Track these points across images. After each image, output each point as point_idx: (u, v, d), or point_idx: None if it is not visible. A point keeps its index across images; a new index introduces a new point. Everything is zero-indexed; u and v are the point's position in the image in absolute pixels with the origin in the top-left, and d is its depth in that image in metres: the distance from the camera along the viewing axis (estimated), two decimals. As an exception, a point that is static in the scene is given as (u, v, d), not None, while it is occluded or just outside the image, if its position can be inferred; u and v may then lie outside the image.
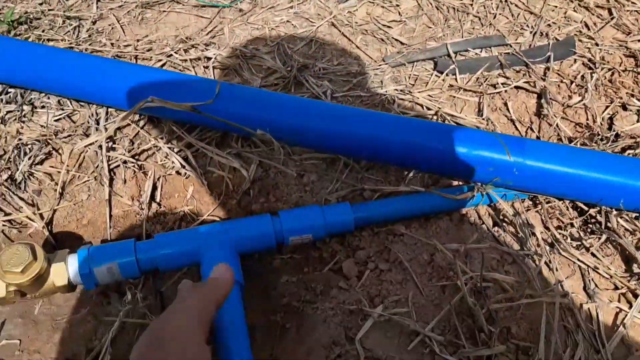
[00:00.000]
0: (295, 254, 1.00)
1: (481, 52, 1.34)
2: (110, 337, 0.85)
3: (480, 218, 1.04)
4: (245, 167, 1.04)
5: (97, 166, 1.03)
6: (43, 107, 1.12)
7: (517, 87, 1.24)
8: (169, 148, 1.06)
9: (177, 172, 1.04)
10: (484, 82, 1.26)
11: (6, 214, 0.96)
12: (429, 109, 1.19)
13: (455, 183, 1.07)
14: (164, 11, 1.43)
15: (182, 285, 0.70)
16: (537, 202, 1.04)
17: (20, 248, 0.81)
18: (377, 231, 1.00)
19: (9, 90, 1.14)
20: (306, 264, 0.99)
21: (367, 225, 1.00)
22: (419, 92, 1.22)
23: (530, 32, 1.39)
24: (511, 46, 1.36)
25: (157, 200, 1.04)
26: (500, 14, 1.45)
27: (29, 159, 1.02)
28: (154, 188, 1.04)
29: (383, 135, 0.96)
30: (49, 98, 1.13)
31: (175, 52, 1.27)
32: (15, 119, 1.08)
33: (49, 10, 1.40)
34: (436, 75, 1.28)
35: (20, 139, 1.03)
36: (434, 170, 1.00)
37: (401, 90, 1.22)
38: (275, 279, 0.97)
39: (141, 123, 1.11)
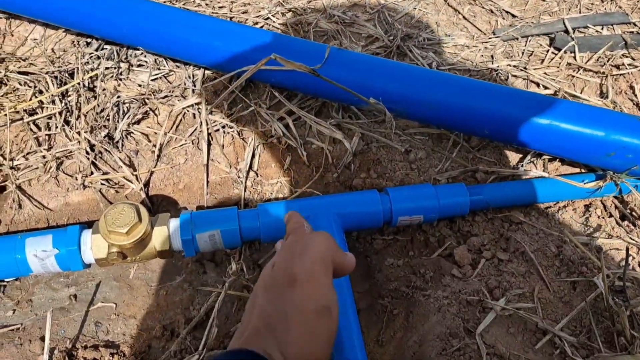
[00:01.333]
0: (398, 236, 0.93)
1: (602, 29, 1.22)
2: (217, 308, 0.80)
3: (606, 210, 0.94)
4: (347, 139, 0.97)
5: (195, 129, 0.98)
6: (140, 65, 1.08)
7: (645, 69, 1.12)
8: (269, 115, 1.00)
9: (276, 141, 0.99)
10: (607, 62, 1.14)
11: (104, 173, 0.93)
12: (545, 87, 1.09)
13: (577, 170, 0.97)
14: (258, -27, 1.36)
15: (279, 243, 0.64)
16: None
17: (125, 208, 0.77)
18: (491, 217, 0.92)
19: (105, 46, 1.11)
20: (411, 247, 0.92)
21: (480, 210, 0.92)
22: (535, 69, 1.12)
23: (658, 10, 1.25)
24: (635, 25, 1.23)
25: (255, 168, 0.98)
26: (622, -12, 1.31)
27: (128, 117, 0.98)
28: (252, 156, 0.98)
29: (509, 111, 0.87)
30: (145, 56, 1.09)
31: (272, 16, 1.20)
32: (112, 76, 1.04)
33: (142, -32, 1.36)
34: (553, 52, 1.17)
35: (118, 97, 1.00)
36: (562, 154, 0.90)
37: (515, 66, 1.12)
38: (379, 260, 0.90)
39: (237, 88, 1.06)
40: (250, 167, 0.98)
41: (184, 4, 1.24)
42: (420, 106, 0.91)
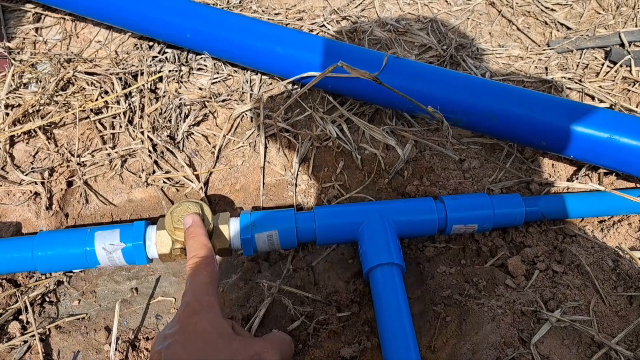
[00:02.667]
0: (450, 244, 0.94)
1: (659, 43, 1.21)
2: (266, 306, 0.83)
3: (663, 226, 0.93)
4: (400, 145, 0.99)
5: (253, 132, 1.01)
6: (200, 69, 1.12)
7: None
8: (325, 120, 1.02)
9: (329, 146, 1.01)
10: (664, 76, 1.12)
11: (166, 172, 0.97)
12: (601, 100, 1.08)
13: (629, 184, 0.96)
14: (312, -19, 1.39)
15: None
16: None
17: (191, 206, 0.80)
18: (545, 229, 0.92)
19: (167, 50, 1.15)
20: (463, 256, 0.92)
21: (534, 222, 0.92)
22: (590, 82, 1.11)
23: None
24: (694, 39, 1.21)
25: (309, 172, 1.01)
26: (681, 2, 1.29)
27: (188, 119, 1.01)
28: (306, 159, 1.01)
29: (567, 124, 0.87)
30: (205, 61, 1.12)
31: (327, 23, 1.23)
32: (174, 79, 1.08)
33: (200, -26, 1.41)
34: (608, 66, 1.16)
35: (180, 99, 1.03)
36: (619, 168, 0.90)
37: (569, 79, 1.12)
38: (431, 268, 0.91)
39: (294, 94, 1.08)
40: (305, 170, 1.00)
41: (240, 10, 1.28)
42: (477, 116, 0.91)
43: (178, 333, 0.58)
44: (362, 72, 0.80)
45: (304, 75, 0.95)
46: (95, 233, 0.83)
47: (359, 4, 1.32)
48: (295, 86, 1.08)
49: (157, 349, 0.58)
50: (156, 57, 1.12)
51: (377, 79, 0.80)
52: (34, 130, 1.00)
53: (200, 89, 1.07)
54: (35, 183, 0.94)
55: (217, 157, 1.00)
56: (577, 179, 0.95)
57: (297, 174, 0.99)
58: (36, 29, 1.23)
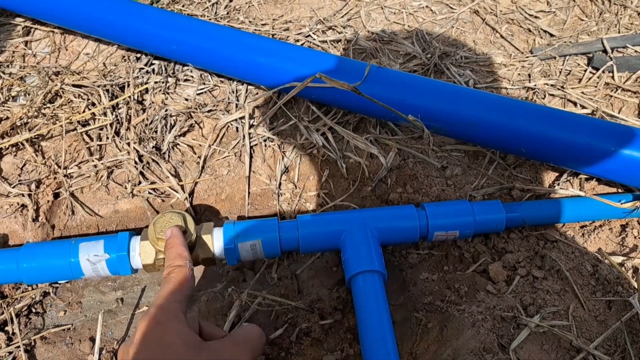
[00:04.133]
0: (433, 251, 0.95)
1: (642, 49, 1.22)
2: (249, 315, 0.83)
3: (644, 230, 0.94)
4: (383, 154, 1.00)
5: (238, 142, 1.02)
6: (186, 80, 1.13)
7: (685, 90, 1.12)
8: (309, 129, 1.03)
9: (314, 154, 1.02)
10: (646, 81, 1.14)
11: (151, 183, 0.98)
12: (583, 106, 1.09)
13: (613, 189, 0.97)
14: (299, -8, 1.41)
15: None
16: None
17: (173, 217, 0.81)
18: (526, 234, 0.93)
19: (154, 61, 1.16)
20: (445, 262, 0.93)
21: (516, 228, 0.93)
22: (572, 88, 1.13)
23: (700, 30, 1.25)
24: (676, 44, 1.22)
25: (294, 181, 1.02)
26: (663, 8, 1.31)
27: (174, 130, 1.03)
28: (292, 168, 1.02)
29: (546, 130, 0.88)
30: (191, 72, 1.14)
31: (313, 33, 1.24)
32: (160, 90, 1.09)
33: (188, -14, 1.42)
34: (590, 72, 1.17)
35: (166, 110, 1.05)
36: (599, 174, 0.91)
37: (552, 85, 1.13)
38: (414, 274, 0.92)
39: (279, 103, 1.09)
40: (290, 179, 1.01)
41: (228, 22, 1.29)
42: (458, 124, 0.93)
43: (142, 346, 0.56)
44: (340, 83, 0.81)
45: (287, 85, 0.96)
46: (80, 244, 0.84)
47: (345, 14, 1.33)
48: (281, 96, 1.09)
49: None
50: (143, 68, 1.13)
51: (356, 89, 0.81)
52: (22, 143, 1.01)
53: (187, 99, 1.09)
54: (23, 195, 0.95)
55: (203, 167, 1.01)
56: (558, 184, 0.96)
57: (281, 183, 1.00)
58: (25, 43, 1.25)
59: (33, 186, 0.96)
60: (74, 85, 1.10)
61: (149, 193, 0.97)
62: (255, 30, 1.26)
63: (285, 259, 0.96)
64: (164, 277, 0.69)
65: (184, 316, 0.61)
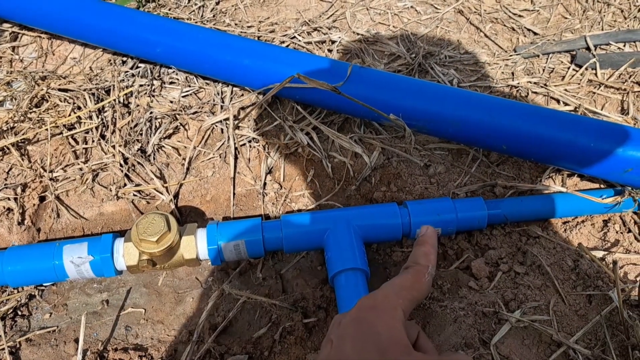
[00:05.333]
0: (417, 248, 0.95)
1: (624, 46, 1.23)
2: (233, 315, 0.84)
3: (625, 225, 0.94)
4: (367, 153, 1.01)
5: (223, 143, 1.03)
6: (172, 83, 1.14)
7: (667, 86, 1.13)
8: (294, 129, 1.03)
9: (300, 150, 1.02)
10: (629, 78, 1.14)
11: (136, 185, 0.98)
12: (566, 104, 1.10)
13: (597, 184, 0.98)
14: (285, -6, 1.42)
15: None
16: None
17: (156, 218, 0.81)
18: (509, 231, 0.94)
19: (139, 65, 1.17)
20: (429, 259, 0.94)
21: (498, 224, 0.94)
22: (555, 85, 1.13)
23: (683, 26, 1.26)
24: (659, 41, 1.23)
25: (280, 181, 1.02)
26: (646, 5, 1.32)
27: (159, 132, 1.03)
28: (277, 169, 1.02)
29: (525, 127, 0.89)
30: (177, 74, 1.14)
31: (298, 35, 1.25)
32: (145, 93, 1.10)
33: (175, -11, 1.43)
34: (574, 69, 1.18)
35: (151, 113, 1.05)
36: (579, 169, 0.92)
37: (535, 83, 1.14)
38: (398, 272, 0.92)
39: (264, 104, 1.10)
40: (275, 179, 1.02)
41: (214, 24, 1.30)
42: (439, 122, 0.93)
43: (352, 326, 0.53)
44: (320, 83, 0.82)
45: (270, 86, 0.97)
46: (64, 247, 0.84)
47: (331, 15, 1.34)
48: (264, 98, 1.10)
49: (331, 336, 0.55)
50: (128, 72, 1.14)
51: (336, 89, 0.82)
52: (8, 147, 1.01)
53: (172, 102, 1.09)
54: (8, 199, 0.95)
55: (188, 168, 1.01)
56: (540, 181, 0.97)
57: (266, 183, 1.01)
58: (13, 48, 1.25)
59: (19, 190, 0.97)
60: (60, 90, 1.11)
61: (134, 195, 0.97)
62: (241, 32, 1.27)
63: (271, 259, 0.96)
64: (403, 268, 0.66)
65: (403, 315, 0.56)
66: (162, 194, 0.98)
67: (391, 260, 0.95)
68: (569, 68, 1.18)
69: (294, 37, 1.25)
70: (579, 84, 1.14)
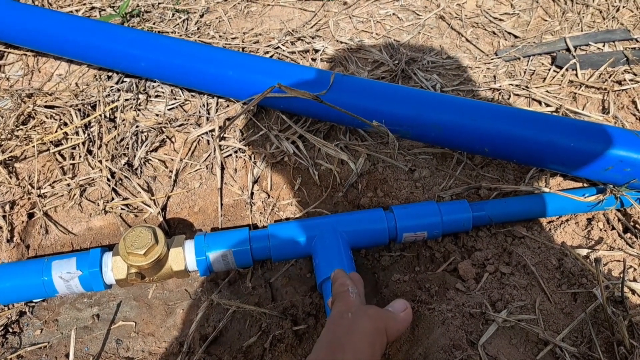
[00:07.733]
0: (405, 252, 0.96)
1: (604, 46, 1.25)
2: (223, 324, 0.84)
3: (609, 223, 0.96)
4: (353, 160, 1.02)
5: (210, 155, 1.04)
6: (157, 96, 1.15)
7: (647, 84, 1.14)
8: (280, 138, 1.04)
9: (287, 159, 1.03)
10: (609, 78, 1.16)
11: (124, 199, 0.99)
12: (548, 105, 1.12)
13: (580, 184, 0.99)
14: (269, 5, 1.43)
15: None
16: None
17: (143, 231, 0.82)
18: (494, 232, 0.95)
19: (125, 79, 1.18)
20: (417, 263, 0.95)
21: (483, 226, 0.95)
22: (537, 87, 1.15)
23: (660, 25, 1.28)
24: (637, 41, 1.25)
25: (267, 190, 1.03)
26: (624, 6, 1.34)
27: (146, 146, 1.04)
28: (264, 178, 1.03)
29: (508, 129, 0.90)
30: (162, 87, 1.15)
31: (282, 45, 1.26)
32: (131, 107, 1.11)
33: (159, 3, 1.44)
34: (554, 71, 1.20)
35: (137, 126, 1.06)
36: (561, 169, 0.93)
37: (517, 85, 1.16)
38: (386, 276, 0.93)
39: (249, 115, 1.11)
40: (263, 188, 1.03)
41: (198, 37, 1.31)
42: (422, 127, 0.94)
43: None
44: (301, 92, 0.83)
45: (253, 97, 0.98)
46: (52, 262, 0.85)
47: (314, 25, 1.35)
48: (252, 108, 1.11)
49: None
50: (114, 87, 1.15)
51: (318, 98, 0.83)
52: (-5, 165, 1.02)
53: (157, 115, 1.10)
54: (-3, 217, 0.96)
55: (175, 181, 1.02)
56: (524, 182, 0.98)
57: (253, 193, 1.01)
58: (-2, 66, 1.26)
59: (7, 207, 0.97)
60: (46, 106, 1.11)
61: (122, 209, 0.98)
62: (226, 44, 1.28)
63: (260, 268, 0.97)
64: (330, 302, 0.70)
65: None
66: (149, 206, 0.98)
67: (379, 264, 0.96)
68: (549, 69, 1.20)
69: (278, 47, 1.26)
70: (560, 85, 1.16)
